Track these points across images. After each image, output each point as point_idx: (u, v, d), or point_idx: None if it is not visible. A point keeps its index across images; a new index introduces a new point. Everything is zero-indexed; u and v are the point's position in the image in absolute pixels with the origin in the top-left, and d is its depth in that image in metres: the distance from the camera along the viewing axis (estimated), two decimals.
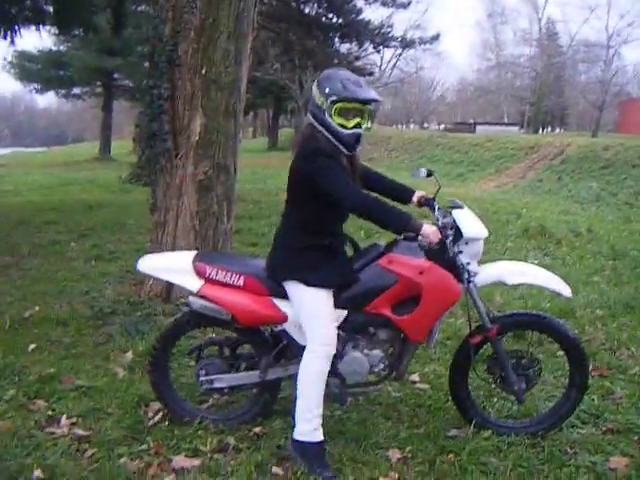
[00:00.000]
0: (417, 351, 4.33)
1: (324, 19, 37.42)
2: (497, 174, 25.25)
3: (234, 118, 6.31)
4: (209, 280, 3.70)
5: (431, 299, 3.54)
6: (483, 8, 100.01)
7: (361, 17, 37.33)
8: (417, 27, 45.60)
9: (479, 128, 46.73)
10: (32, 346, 5.14)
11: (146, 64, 7.54)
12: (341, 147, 3.50)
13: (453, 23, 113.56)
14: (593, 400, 4.30)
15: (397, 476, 3.40)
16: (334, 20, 37.45)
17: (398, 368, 3.79)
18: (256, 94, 37.25)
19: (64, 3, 13.56)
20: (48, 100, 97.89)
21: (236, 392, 4.00)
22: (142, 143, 7.48)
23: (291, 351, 3.77)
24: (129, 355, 4.96)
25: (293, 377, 3.64)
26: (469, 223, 3.64)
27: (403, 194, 3.94)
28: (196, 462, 3.50)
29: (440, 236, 3.46)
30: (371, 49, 40.31)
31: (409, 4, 39.72)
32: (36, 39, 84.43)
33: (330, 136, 3.47)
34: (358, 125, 3.49)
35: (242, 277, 3.67)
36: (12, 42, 13.82)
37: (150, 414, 4.02)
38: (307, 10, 36.87)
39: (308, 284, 3.51)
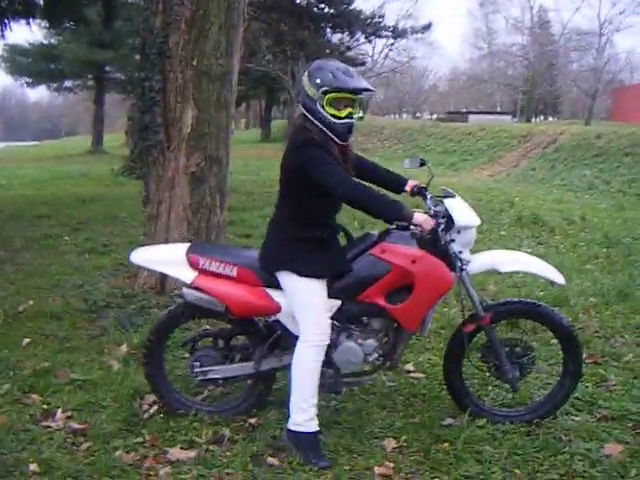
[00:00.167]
0: (411, 340, 4.35)
1: (315, 9, 37.20)
2: (490, 163, 25.22)
3: (226, 110, 6.29)
4: (203, 271, 3.71)
5: (424, 288, 3.55)
6: None
7: (352, 7, 37.14)
8: (409, 17, 45.34)
9: (472, 117, 46.62)
10: (26, 340, 5.13)
11: (137, 56, 7.51)
12: (333, 137, 3.50)
13: (445, 12, 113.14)
14: (587, 387, 4.32)
15: (392, 465, 3.40)
16: (325, 10, 37.26)
17: (392, 357, 3.80)
18: (248, 85, 37.11)
19: None
20: (39, 94, 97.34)
21: (231, 383, 4.00)
22: (134, 136, 7.48)
23: (285, 341, 3.77)
24: (123, 348, 4.95)
25: (287, 367, 3.65)
26: (461, 211, 3.65)
27: (396, 183, 3.94)
28: (192, 454, 3.50)
29: (433, 223, 3.46)
30: (363, 39, 40.08)
31: None
32: (27, 32, 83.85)
33: (322, 126, 3.47)
34: (350, 115, 3.49)
35: (235, 268, 3.68)
36: (2, 36, 13.82)
37: (145, 407, 4.02)
38: (298, 0, 36.70)
39: (301, 274, 3.51)
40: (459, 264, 3.61)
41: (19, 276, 7.25)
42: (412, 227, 3.45)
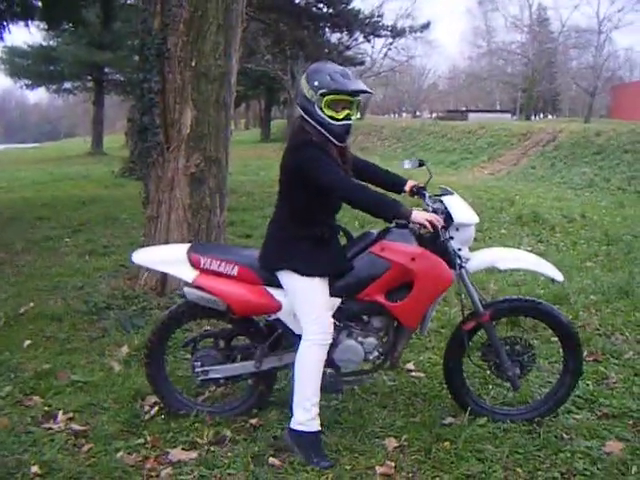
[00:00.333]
0: (412, 339, 4.35)
1: (314, 9, 37.13)
2: (490, 161, 25.21)
3: (225, 110, 6.29)
4: (204, 270, 3.72)
5: (423, 285, 3.56)
6: None
7: (351, 7, 37.11)
8: (407, 16, 45.30)
9: (471, 116, 46.72)
10: (27, 342, 5.14)
11: (136, 58, 7.51)
12: (331, 138, 3.51)
13: (443, 11, 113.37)
14: (588, 385, 4.32)
15: (393, 465, 3.41)
16: (324, 10, 37.22)
17: (392, 355, 3.81)
18: (248, 86, 37.14)
19: None
20: (39, 96, 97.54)
21: (232, 383, 4.01)
22: (134, 137, 7.48)
23: (286, 340, 3.78)
24: (124, 349, 4.95)
25: (288, 367, 3.67)
26: (459, 209, 3.67)
27: (396, 184, 3.96)
28: (193, 455, 3.50)
29: (441, 219, 3.50)
30: (362, 39, 39.98)
31: None
32: (26, 34, 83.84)
33: (320, 128, 3.49)
34: (348, 117, 3.52)
35: (236, 267, 3.68)
36: (1, 38, 13.78)
37: (146, 408, 4.02)
38: (297, 0, 36.67)
39: (301, 273, 3.52)
40: (458, 261, 3.62)
41: (20, 278, 7.25)
42: (411, 225, 3.47)
